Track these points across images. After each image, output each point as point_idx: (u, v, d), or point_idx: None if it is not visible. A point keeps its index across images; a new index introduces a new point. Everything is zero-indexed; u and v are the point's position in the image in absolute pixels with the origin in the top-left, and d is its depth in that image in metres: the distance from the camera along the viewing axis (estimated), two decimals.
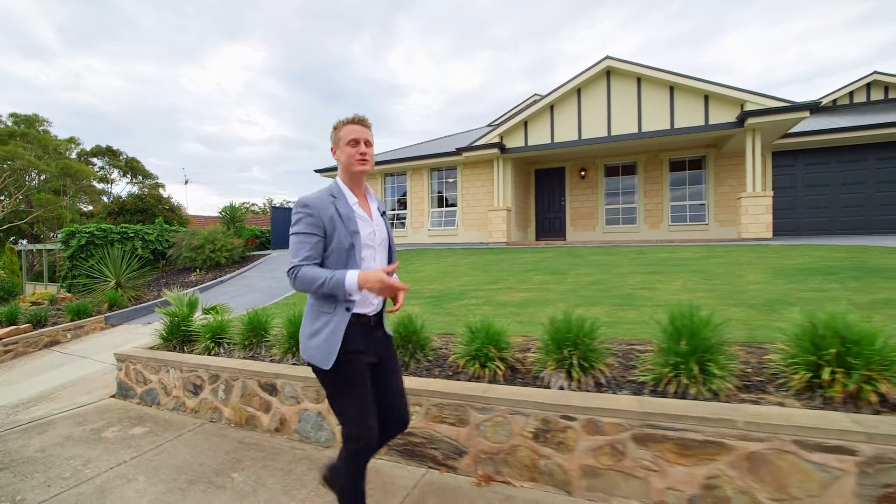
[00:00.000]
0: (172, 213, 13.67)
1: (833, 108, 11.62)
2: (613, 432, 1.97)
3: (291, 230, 1.63)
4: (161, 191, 42.15)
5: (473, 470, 2.29)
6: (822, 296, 3.63)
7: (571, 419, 2.06)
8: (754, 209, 8.23)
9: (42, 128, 24.63)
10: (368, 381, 1.66)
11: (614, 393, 2.20)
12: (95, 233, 10.22)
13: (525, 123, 10.24)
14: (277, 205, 41.78)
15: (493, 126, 13.67)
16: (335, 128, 1.69)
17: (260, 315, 3.79)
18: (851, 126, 9.37)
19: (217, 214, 17.04)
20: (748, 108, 8.09)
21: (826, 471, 1.61)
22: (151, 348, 4.25)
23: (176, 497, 2.21)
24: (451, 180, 12.12)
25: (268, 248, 14.69)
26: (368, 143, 1.66)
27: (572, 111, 9.78)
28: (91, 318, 7.26)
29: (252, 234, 12.79)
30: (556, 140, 9.95)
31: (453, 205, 12.11)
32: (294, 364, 3.21)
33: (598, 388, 2.26)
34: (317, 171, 13.60)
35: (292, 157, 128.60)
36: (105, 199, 37.03)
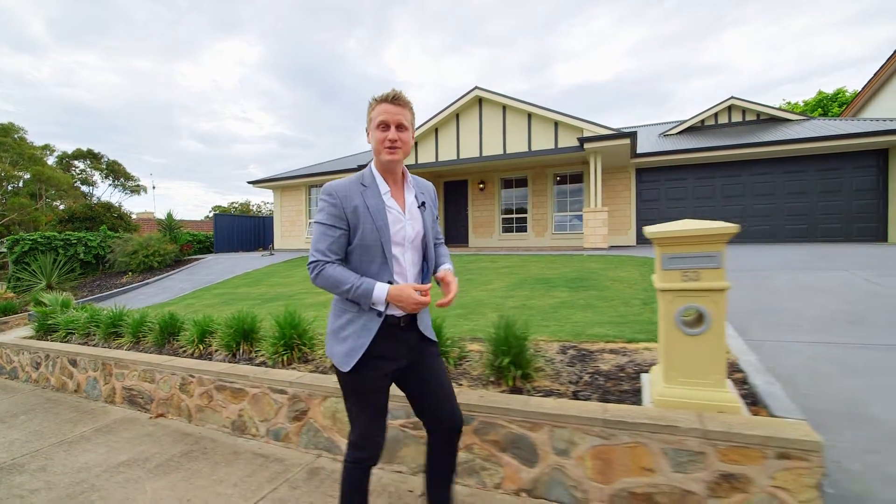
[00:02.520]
0: (121, 221, 15.02)
1: (701, 128, 12.95)
2: (209, 384, 3.30)
3: (315, 218, 1.53)
4: (143, 193, 43.27)
5: (154, 410, 3.63)
6: (516, 302, 4.92)
7: (193, 377, 3.39)
8: (593, 223, 9.57)
9: (17, 135, 25.91)
10: (386, 390, 1.56)
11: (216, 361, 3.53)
12: (39, 240, 11.53)
13: (416, 144, 11.59)
14: (219, 211, 43.35)
15: None
16: (369, 105, 1.51)
17: (104, 311, 5.09)
18: (700, 147, 10.70)
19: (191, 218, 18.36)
20: (585, 134, 9.43)
21: (278, 402, 2.94)
22: (25, 338, 5.59)
23: None
24: None
25: (211, 252, 16.03)
26: (402, 127, 1.47)
27: (452, 133, 11.14)
28: (17, 315, 8.60)
29: (188, 240, 14.09)
30: (439, 158, 11.31)
31: None
32: (104, 347, 4.51)
33: (233, 357, 3.59)
34: (251, 182, 14.93)
35: (289, 154, 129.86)
36: (93, 200, 38.28)
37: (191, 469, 2.64)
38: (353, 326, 1.48)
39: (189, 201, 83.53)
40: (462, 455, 2.23)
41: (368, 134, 1.53)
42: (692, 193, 11.29)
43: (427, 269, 1.64)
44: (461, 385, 2.54)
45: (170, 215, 13.50)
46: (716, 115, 12.74)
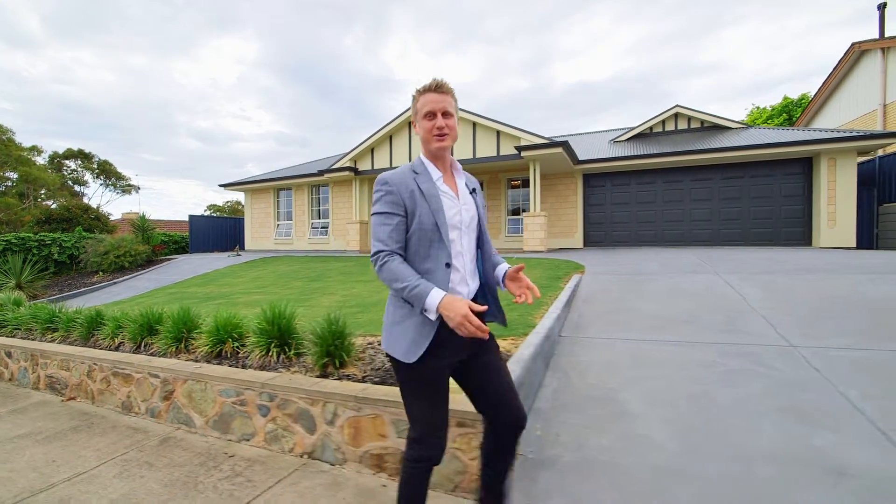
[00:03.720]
0: (98, 222, 15.59)
1: (649, 134, 13.51)
2: (107, 371, 3.86)
3: (373, 210, 1.53)
4: (135, 192, 43.71)
5: (67, 394, 4.19)
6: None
7: (97, 364, 3.95)
8: (532, 227, 10.13)
9: (6, 136, 26.43)
10: (446, 384, 1.55)
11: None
12: (13, 241, 12.09)
13: (372, 150, 12.16)
14: (214, 210, 44.01)
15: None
16: (413, 98, 1.54)
17: (45, 309, 5.64)
18: (640, 154, 11.26)
19: (167, 218, 18.89)
20: (522, 143, 9.99)
21: (154, 385, 3.50)
22: None
23: None
24: (325, 196, 14.06)
25: (187, 252, 16.59)
26: (447, 114, 1.49)
27: (405, 139, 11.69)
28: None
29: (161, 241, 14.65)
30: (393, 164, 11.84)
31: (327, 217, 14.06)
32: (40, 340, 5.08)
33: (138, 349, 4.14)
34: (222, 185, 15.49)
35: (288, 153, 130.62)
36: (86, 200, 38.85)
37: (71, 439, 3.20)
38: (414, 317, 1.46)
39: (188, 200, 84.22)
40: (269, 426, 2.80)
41: (415, 125, 1.57)
42: (635, 198, 11.85)
43: (482, 258, 1.67)
44: (292, 370, 3.10)
45: (143, 217, 14.06)
46: (663, 122, 13.29)
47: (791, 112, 21.56)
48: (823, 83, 15.28)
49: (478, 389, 1.61)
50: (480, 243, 1.66)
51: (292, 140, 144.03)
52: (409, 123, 11.63)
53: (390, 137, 11.88)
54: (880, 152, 11.33)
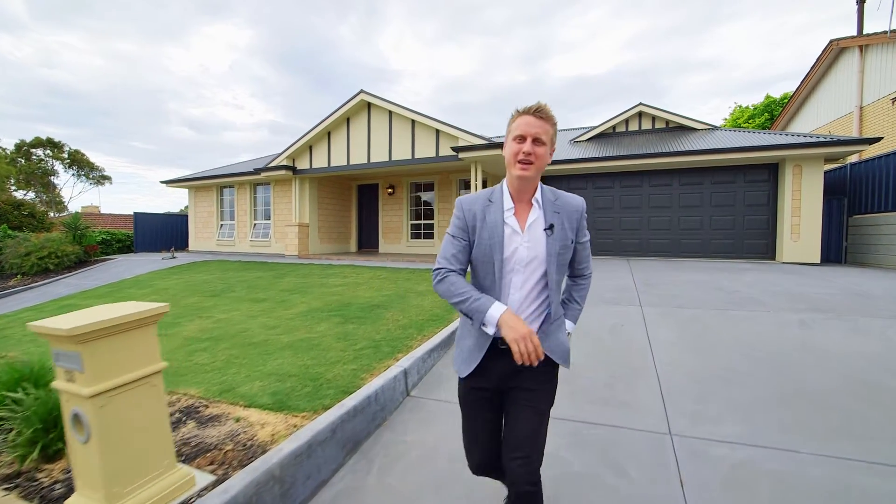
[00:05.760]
0: (31, 219, 14.57)
1: (612, 134, 12.66)
2: None
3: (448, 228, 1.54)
4: (109, 183, 42.51)
5: None
6: (269, 335, 4.67)
7: None
8: None
9: None
10: (482, 409, 1.54)
11: None
12: None
13: (310, 147, 11.23)
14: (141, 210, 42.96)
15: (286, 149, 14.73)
16: (511, 116, 1.45)
17: None
18: (594, 157, 10.43)
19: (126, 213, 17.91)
20: (460, 143, 9.12)
21: None
22: None
23: None
24: (268, 196, 13.13)
25: (132, 252, 15.66)
26: (539, 142, 1.37)
27: (343, 137, 10.78)
28: None
29: (96, 241, 13.69)
30: (332, 163, 10.95)
31: (269, 219, 13.14)
32: None
33: None
34: (164, 182, 14.52)
35: (281, 143, 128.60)
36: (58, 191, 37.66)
37: None
38: (471, 339, 1.49)
39: (176, 190, 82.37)
40: None
41: (504, 147, 1.48)
42: (592, 203, 11.03)
43: (548, 301, 1.51)
44: None
45: (76, 215, 13.08)
46: (626, 121, 12.44)
47: (773, 111, 20.77)
48: (802, 82, 14.48)
49: (505, 425, 1.52)
50: (548, 287, 1.48)
51: (286, 129, 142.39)
52: (348, 119, 10.72)
53: (329, 134, 10.95)
54: (852, 158, 10.57)
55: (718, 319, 4.47)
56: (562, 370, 1.62)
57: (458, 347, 1.57)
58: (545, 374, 1.49)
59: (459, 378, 1.55)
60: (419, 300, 5.76)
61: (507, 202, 1.46)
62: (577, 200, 1.53)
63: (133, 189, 75.73)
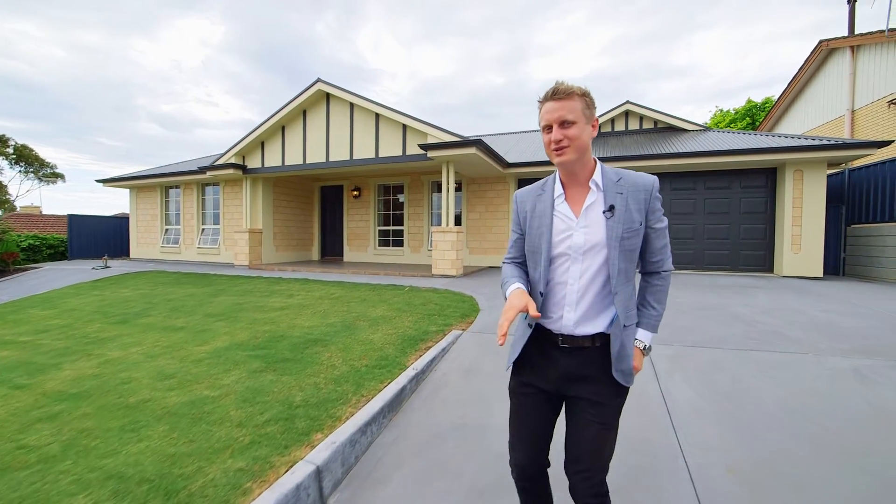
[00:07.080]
0: None
1: (598, 134, 11.79)
2: None
3: None
4: (62, 181, 39.76)
5: None
6: (177, 383, 3.45)
7: None
8: (442, 245, 8.19)
9: None
10: (530, 408, 1.41)
11: None
12: None
13: (262, 143, 9.91)
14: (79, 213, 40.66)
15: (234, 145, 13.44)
16: (538, 106, 1.34)
17: None
18: None
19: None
20: (429, 140, 8.00)
21: None
22: None
23: None
24: (217, 198, 11.72)
25: (65, 259, 13.96)
26: (566, 124, 1.25)
27: (299, 132, 9.50)
28: None
29: (13, 249, 11.97)
30: (286, 161, 9.66)
31: (218, 223, 11.72)
32: None
33: None
34: (100, 181, 12.90)
35: None
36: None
37: None
38: (517, 332, 1.45)
39: None
40: None
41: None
42: None
43: (608, 292, 1.32)
44: None
45: None
46: (612, 120, 11.59)
47: (755, 116, 20.43)
48: (788, 85, 13.95)
49: (567, 434, 1.39)
50: (610, 276, 1.31)
51: None
52: (304, 112, 9.45)
53: (283, 129, 9.64)
54: (849, 164, 9.94)
55: (748, 367, 3.48)
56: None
57: (511, 339, 1.48)
58: (615, 386, 1.31)
59: (509, 370, 1.47)
60: (370, 332, 4.61)
61: (558, 189, 1.37)
62: (645, 178, 1.35)
63: (97, 188, 71.74)
